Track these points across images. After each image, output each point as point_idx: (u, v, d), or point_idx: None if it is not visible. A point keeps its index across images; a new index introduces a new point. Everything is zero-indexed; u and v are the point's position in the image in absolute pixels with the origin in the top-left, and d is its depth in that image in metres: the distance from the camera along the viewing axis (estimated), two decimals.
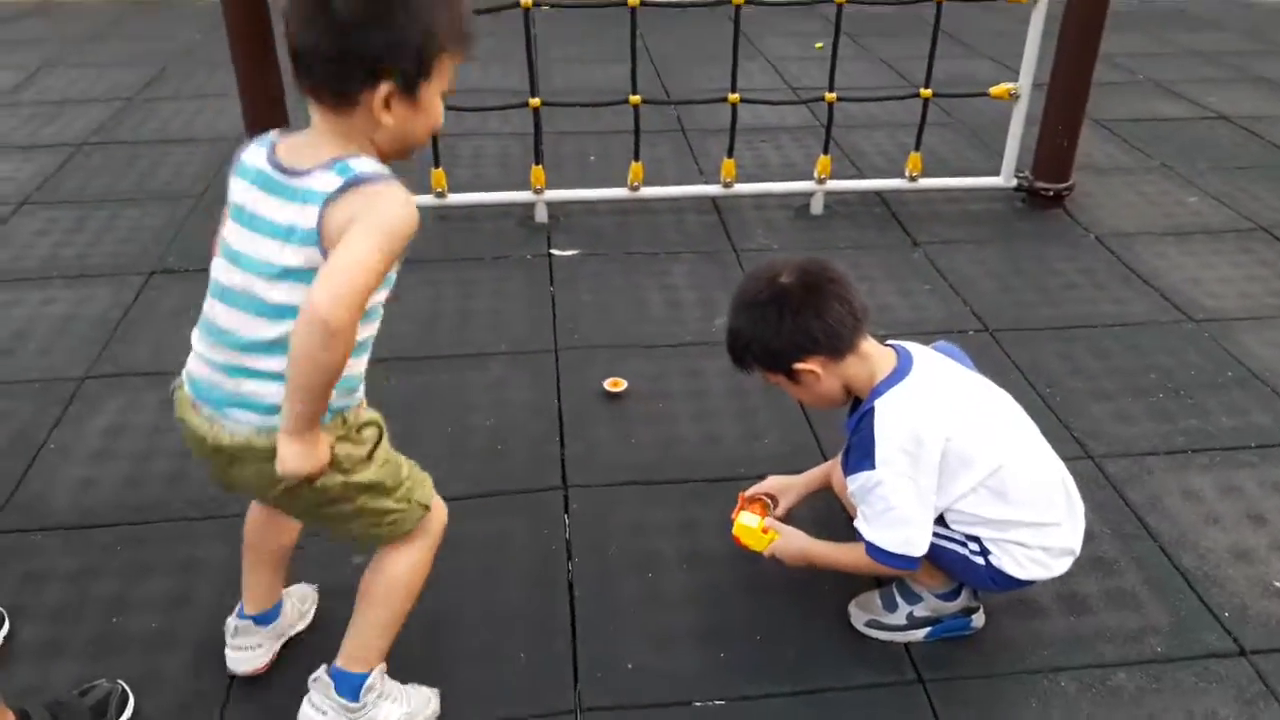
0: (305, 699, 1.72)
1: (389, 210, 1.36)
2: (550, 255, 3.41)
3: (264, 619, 1.86)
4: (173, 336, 2.89)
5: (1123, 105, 4.82)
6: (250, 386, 1.45)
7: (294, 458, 1.38)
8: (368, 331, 1.50)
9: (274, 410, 1.41)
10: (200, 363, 1.50)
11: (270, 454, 1.40)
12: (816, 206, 3.73)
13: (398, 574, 1.66)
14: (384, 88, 1.36)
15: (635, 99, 3.48)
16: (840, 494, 2.12)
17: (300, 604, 1.97)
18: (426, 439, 2.48)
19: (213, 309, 1.48)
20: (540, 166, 3.54)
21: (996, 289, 3.22)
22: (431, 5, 1.37)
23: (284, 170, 1.41)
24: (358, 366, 1.51)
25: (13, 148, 4.22)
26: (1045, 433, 2.47)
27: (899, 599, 1.94)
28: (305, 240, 1.37)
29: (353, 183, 1.35)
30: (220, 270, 1.47)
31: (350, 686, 1.67)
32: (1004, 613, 2.00)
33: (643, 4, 3.34)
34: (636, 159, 3.57)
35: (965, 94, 3.97)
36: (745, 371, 1.88)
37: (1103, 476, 2.39)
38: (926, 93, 3.59)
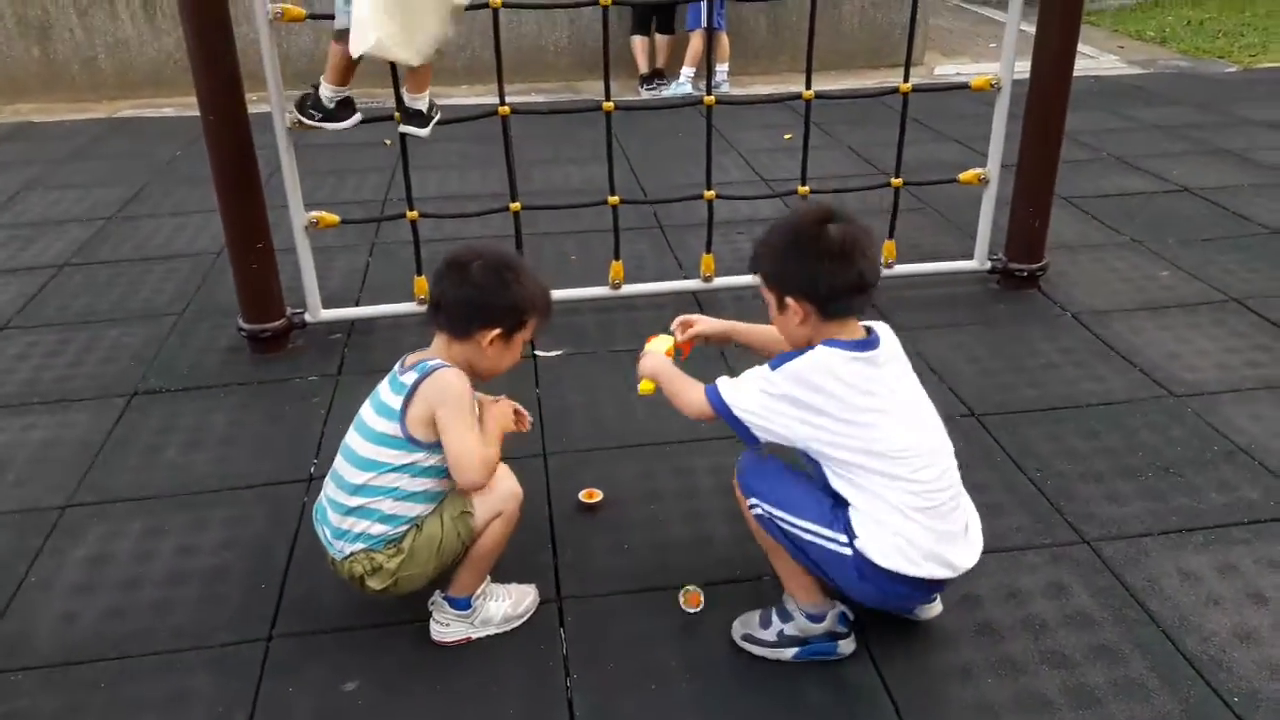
0: (431, 619, 2.20)
1: (452, 390, 2.02)
2: (535, 356, 3.42)
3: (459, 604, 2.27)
4: (154, 459, 2.89)
5: (1089, 182, 4.93)
6: (340, 524, 2.08)
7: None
8: (430, 485, 2.09)
9: (345, 537, 2.08)
10: (324, 495, 2.14)
11: (351, 579, 2.11)
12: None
13: (484, 541, 2.14)
14: (495, 331, 2.06)
15: (614, 200, 3.54)
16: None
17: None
18: None
19: (337, 462, 2.12)
20: None
21: (978, 373, 3.24)
22: (534, 285, 2.11)
23: (401, 369, 2.09)
24: (415, 511, 2.08)
25: None
26: (1037, 518, 2.51)
27: (774, 617, 2.12)
28: (391, 416, 2.04)
29: (424, 375, 2.03)
30: (349, 435, 2.12)
31: (461, 604, 2.17)
32: (1018, 712, 1.97)
33: (617, 107, 3.41)
34: (617, 258, 3.61)
35: (935, 181, 4.05)
36: (753, 273, 2.03)
37: (1099, 560, 2.37)
38: (897, 181, 3.66)
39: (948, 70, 7.85)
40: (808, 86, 3.49)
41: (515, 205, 3.50)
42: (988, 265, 3.84)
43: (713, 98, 3.47)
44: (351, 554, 2.07)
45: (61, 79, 7.17)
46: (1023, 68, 3.43)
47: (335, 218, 3.46)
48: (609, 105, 3.40)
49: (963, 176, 3.71)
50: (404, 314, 3.65)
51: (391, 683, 2.10)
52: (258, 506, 2.68)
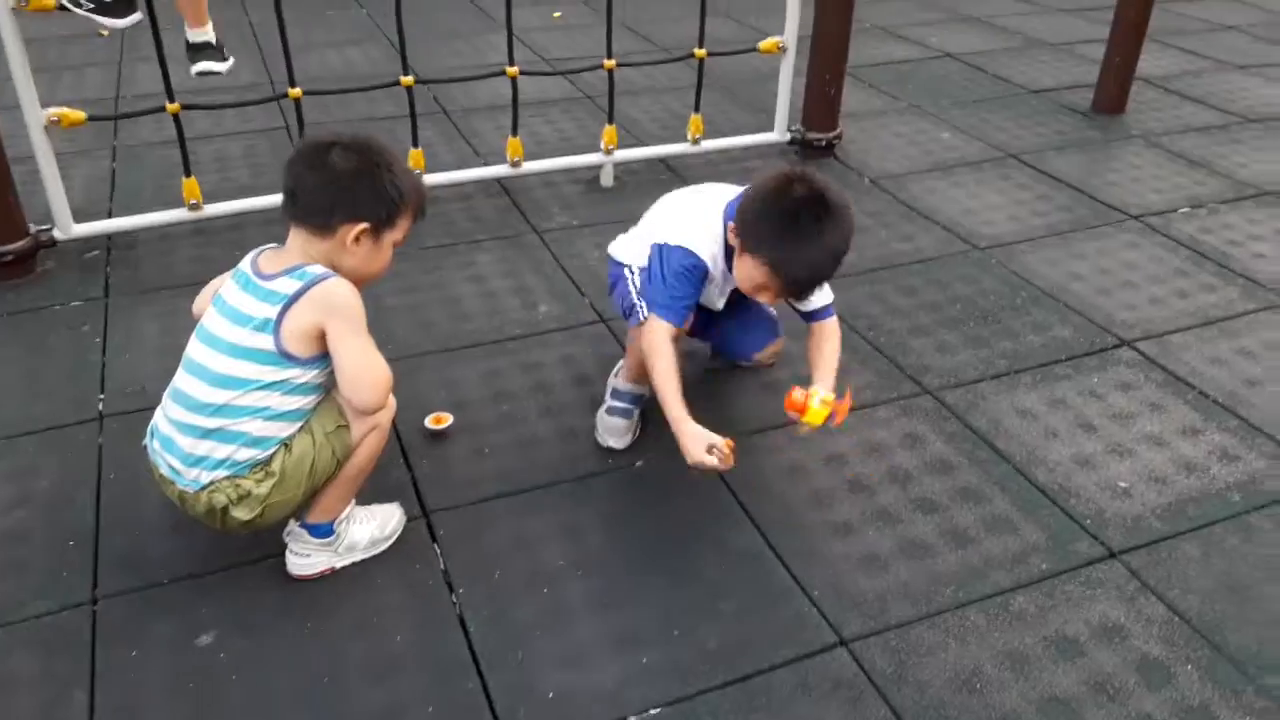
0: (287, 551, 1.98)
1: (344, 302, 1.77)
2: None
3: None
4: None
5: (862, 52, 5.05)
6: (192, 449, 1.80)
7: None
8: (303, 403, 1.83)
9: (202, 465, 1.80)
10: (163, 419, 1.86)
11: (209, 512, 1.83)
12: (606, 178, 3.64)
13: (356, 458, 1.93)
14: (360, 225, 1.79)
15: (407, 80, 3.25)
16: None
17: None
18: None
19: (179, 379, 1.84)
20: None
21: None
22: (406, 175, 1.85)
23: (258, 273, 1.80)
24: (285, 431, 1.83)
25: None
26: (880, 373, 2.58)
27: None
28: (263, 329, 1.76)
29: (309, 284, 1.75)
30: (193, 347, 1.84)
31: (322, 530, 1.97)
32: (903, 559, 2.03)
33: None
34: (415, 146, 3.33)
35: (737, 51, 3.99)
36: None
37: (944, 409, 2.48)
38: (701, 53, 3.57)
39: None
40: None
41: (295, 92, 3.14)
42: (787, 137, 3.86)
43: None
44: (212, 483, 1.81)
45: None
46: None
47: (81, 114, 2.97)
48: None
49: (762, 45, 3.68)
50: (172, 222, 3.23)
51: (255, 627, 1.89)
52: (44, 455, 2.31)
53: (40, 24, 2.81)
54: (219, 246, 3.20)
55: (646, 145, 3.92)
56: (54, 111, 2.91)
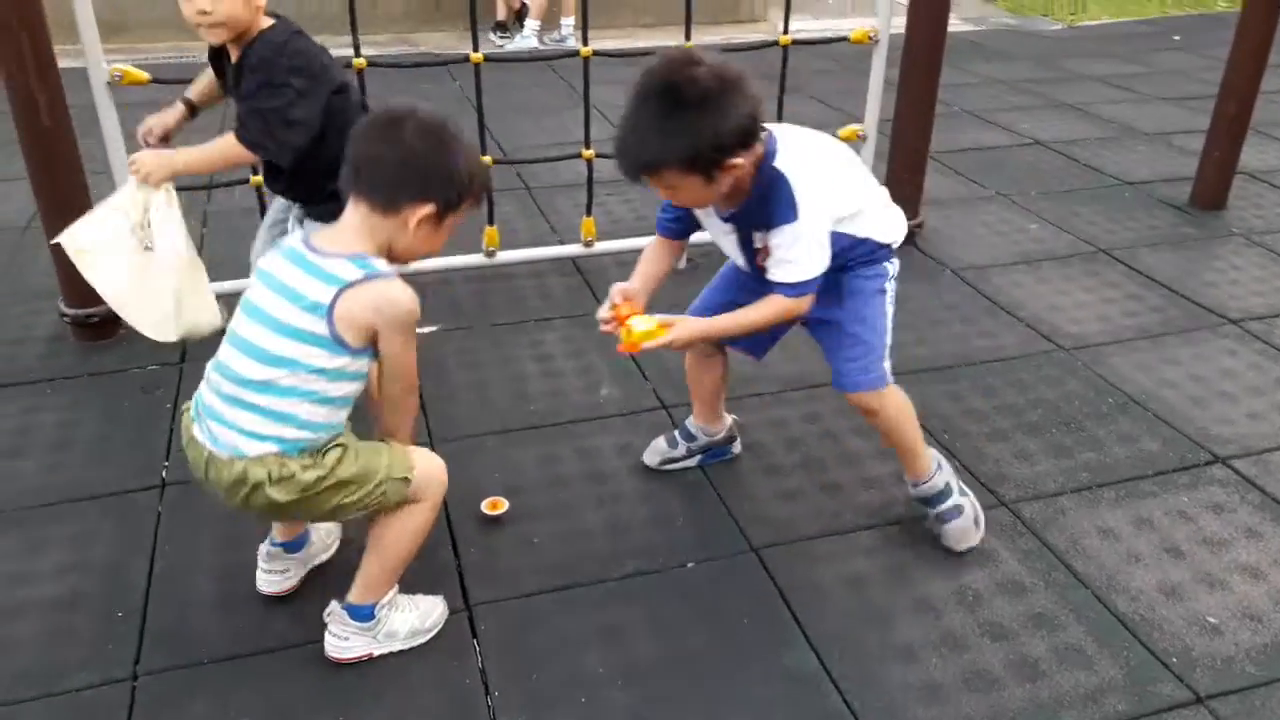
0: (326, 632, 1.95)
1: (405, 315, 1.74)
2: None
3: (293, 546, 2.09)
4: None
5: (947, 137, 4.97)
6: (234, 418, 1.74)
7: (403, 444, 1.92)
8: (350, 389, 1.79)
9: (249, 436, 1.73)
10: (206, 388, 1.79)
11: (238, 481, 1.74)
12: (680, 261, 3.60)
13: (403, 527, 1.89)
14: (428, 207, 1.72)
15: (487, 159, 3.27)
16: None
17: (326, 536, 2.19)
18: None
19: (223, 351, 1.77)
20: None
21: None
22: (475, 157, 1.83)
23: (311, 249, 1.72)
24: (336, 417, 1.80)
25: None
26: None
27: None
28: (316, 312, 1.68)
29: (368, 278, 1.68)
30: (238, 320, 1.77)
31: (363, 614, 1.93)
32: (966, 690, 1.90)
33: (486, 59, 3.14)
34: (491, 223, 3.36)
35: None
36: (638, 181, 1.87)
37: (1020, 523, 2.35)
38: None
39: (792, 27, 7.82)
40: (687, 38, 3.32)
41: None
42: None
43: (589, 49, 3.24)
44: (260, 456, 1.73)
45: None
46: (858, 23, 3.37)
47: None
48: (477, 57, 3.12)
49: (842, 133, 3.63)
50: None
51: (290, 715, 1.85)
52: (103, 520, 2.33)
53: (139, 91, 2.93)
54: None
55: None
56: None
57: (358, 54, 2.99)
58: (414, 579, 2.13)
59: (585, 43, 3.25)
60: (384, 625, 1.95)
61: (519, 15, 7.01)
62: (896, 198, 3.72)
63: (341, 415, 1.81)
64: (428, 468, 1.89)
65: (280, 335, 1.70)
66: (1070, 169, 4.63)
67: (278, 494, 1.74)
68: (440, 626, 2.02)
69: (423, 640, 2.00)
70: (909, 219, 3.71)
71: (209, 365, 1.80)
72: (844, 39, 3.50)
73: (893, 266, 2.22)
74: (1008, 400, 2.82)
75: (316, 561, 2.16)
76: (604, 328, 2.04)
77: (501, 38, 6.91)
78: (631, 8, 7.56)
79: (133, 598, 2.11)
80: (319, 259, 1.70)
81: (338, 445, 1.79)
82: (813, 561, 2.22)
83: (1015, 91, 5.88)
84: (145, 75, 2.91)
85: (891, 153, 3.71)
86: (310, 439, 1.75)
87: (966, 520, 2.23)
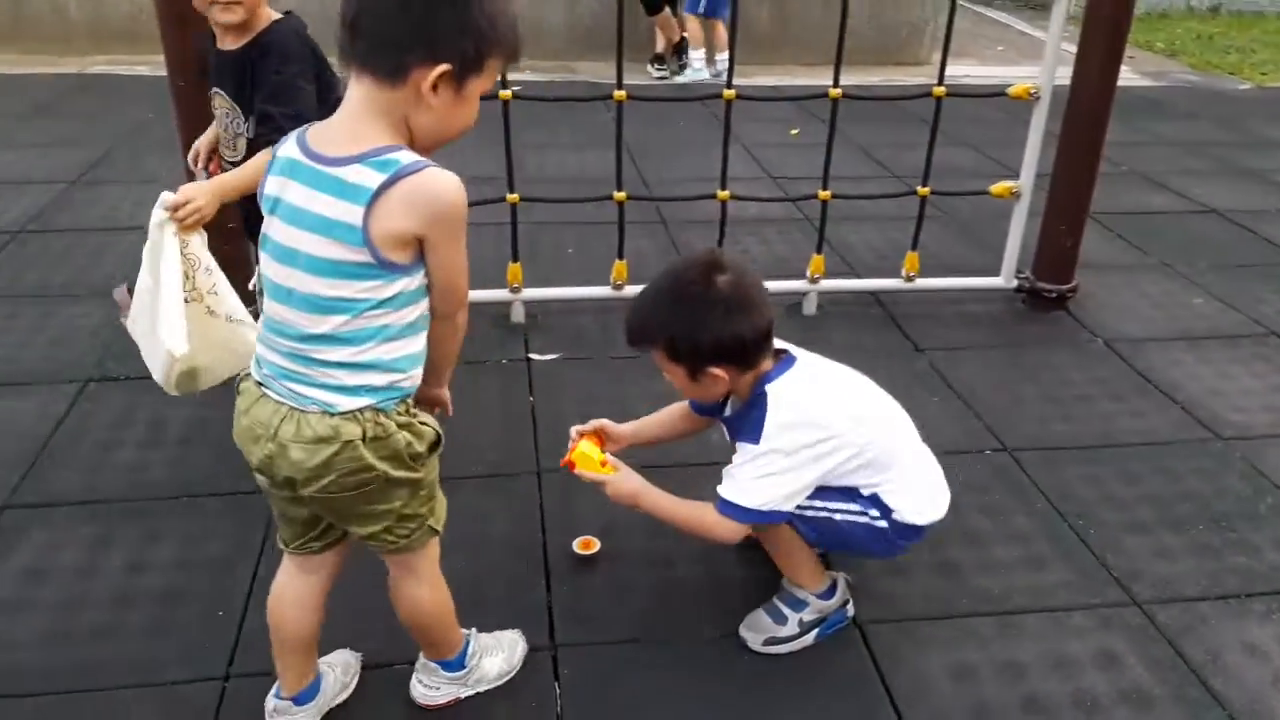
0: (414, 679, 1.90)
1: (452, 208, 1.42)
2: (529, 360, 3.15)
3: (302, 699, 1.82)
4: (105, 458, 2.60)
5: (1112, 199, 4.70)
6: (312, 375, 1.49)
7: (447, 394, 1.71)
8: (423, 307, 1.52)
9: (338, 391, 1.48)
10: (268, 349, 1.53)
11: (325, 439, 1.48)
12: (809, 307, 3.52)
13: (425, 599, 1.77)
14: (441, 67, 1.38)
15: (620, 196, 3.27)
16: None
17: (343, 675, 1.93)
18: None
19: (270, 306, 1.50)
20: (517, 264, 3.30)
21: (1009, 402, 3.01)
22: (497, 3, 1.42)
23: (314, 157, 1.41)
24: (418, 345, 1.54)
25: None
26: (1082, 571, 2.28)
27: (786, 610, 2.06)
28: (350, 239, 1.39)
29: (395, 178, 1.37)
30: (268, 266, 1.49)
31: (454, 665, 1.87)
32: None
33: (629, 96, 3.14)
34: (620, 257, 3.34)
35: (964, 192, 3.81)
36: (639, 350, 1.92)
37: (1153, 626, 2.15)
38: (924, 191, 3.42)
39: (955, 72, 7.55)
40: (835, 84, 3.24)
41: (513, 197, 3.23)
42: (1014, 284, 3.61)
43: (733, 92, 3.20)
44: (353, 410, 1.48)
45: (30, 28, 6.79)
46: (1023, 73, 3.20)
47: None
48: (621, 94, 3.12)
49: (994, 189, 3.48)
50: None
51: None
52: (220, 519, 2.41)
53: None
54: None
55: (858, 276, 3.77)
56: None
57: (505, 86, 3.02)
58: (504, 610, 2.12)
59: (730, 84, 3.21)
60: (475, 673, 1.92)
61: (678, 49, 7.05)
62: (1050, 259, 3.59)
63: (422, 341, 1.54)
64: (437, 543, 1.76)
65: (321, 275, 1.43)
66: (1246, 241, 4.30)
67: (371, 455, 1.50)
68: (522, 663, 1.99)
69: (509, 678, 1.97)
70: (1061, 283, 3.52)
71: (261, 324, 1.56)
72: (1002, 93, 3.35)
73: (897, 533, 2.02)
74: (1153, 489, 2.61)
75: (333, 704, 1.89)
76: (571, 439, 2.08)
77: (659, 71, 6.96)
78: (794, 45, 7.51)
79: (235, 598, 2.16)
80: (331, 169, 1.40)
81: (431, 427, 1.61)
82: (918, 645, 2.09)
83: (1192, 154, 5.53)
84: None
85: (1047, 210, 3.52)
86: (401, 379, 1.52)
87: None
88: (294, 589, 1.76)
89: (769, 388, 1.88)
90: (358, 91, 1.41)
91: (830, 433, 1.88)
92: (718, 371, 1.84)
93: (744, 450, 1.89)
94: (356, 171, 1.38)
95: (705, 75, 6.90)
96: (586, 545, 2.30)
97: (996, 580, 2.28)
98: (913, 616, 2.17)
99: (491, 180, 4.55)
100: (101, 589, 2.17)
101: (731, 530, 1.91)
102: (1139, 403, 3.02)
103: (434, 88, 1.39)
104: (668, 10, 6.88)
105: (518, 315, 3.37)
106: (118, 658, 2.00)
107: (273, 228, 1.47)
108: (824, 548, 2.11)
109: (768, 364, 1.92)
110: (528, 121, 5.39)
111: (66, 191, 4.39)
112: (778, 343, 1.95)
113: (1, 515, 2.38)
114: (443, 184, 1.40)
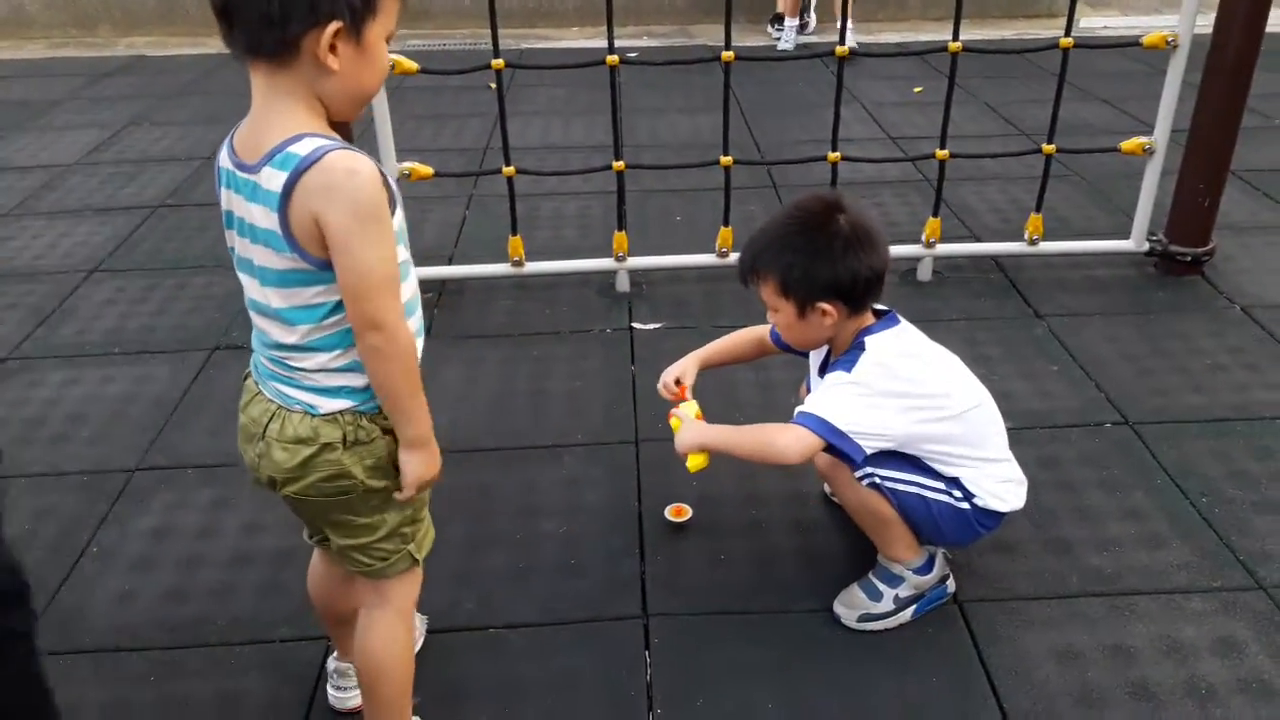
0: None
1: (354, 198, 1.28)
2: (632, 329, 3.16)
3: None
4: (228, 423, 2.71)
5: (1259, 154, 4.37)
6: (294, 377, 1.45)
7: (418, 468, 1.47)
8: (405, 296, 1.41)
9: (318, 392, 1.43)
10: (257, 352, 1.51)
11: (304, 439, 1.43)
12: (924, 272, 3.40)
13: (395, 641, 1.63)
14: (331, 26, 1.26)
15: (726, 160, 3.22)
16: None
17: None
18: (493, 548, 2.25)
19: (251, 314, 1.47)
20: (623, 232, 3.30)
21: (1134, 372, 2.85)
22: None
23: (241, 167, 1.34)
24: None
25: (91, 210, 4.15)
26: (1203, 552, 2.16)
27: (881, 585, 2.02)
28: (280, 246, 1.33)
29: (297, 173, 1.27)
30: (241, 278, 1.45)
31: None
32: None
33: (737, 58, 3.08)
34: (726, 224, 3.30)
35: (1091, 150, 3.61)
36: (747, 285, 1.93)
37: (1279, 613, 2.02)
38: (1049, 148, 3.25)
39: (1095, 23, 7.18)
40: (955, 37, 3.10)
41: (619, 164, 3.22)
42: (1145, 247, 3.40)
43: (845, 48, 3.10)
44: (334, 413, 1.43)
45: (176, 11, 7.13)
46: (1167, 22, 2.97)
47: (429, 170, 3.23)
48: (728, 55, 3.06)
49: (1125, 145, 3.27)
50: (499, 275, 3.42)
51: (461, 696, 1.90)
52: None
53: (433, 78, 3.13)
54: (534, 301, 3.34)
55: (977, 240, 3.62)
56: (407, 166, 3.19)
57: (611, 50, 3.00)
58: (598, 577, 2.14)
59: (843, 40, 3.11)
60: None
61: (800, 10, 6.88)
62: (1185, 220, 3.36)
63: (412, 327, 1.45)
64: (419, 574, 1.65)
65: (279, 286, 1.37)
66: None
67: (350, 461, 1.45)
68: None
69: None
70: (1196, 245, 3.30)
71: (252, 333, 1.52)
72: (1137, 43, 3.14)
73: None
74: None
75: None
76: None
77: (779, 32, 6.81)
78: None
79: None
80: (252, 176, 1.32)
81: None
82: (1022, 625, 2.01)
83: None
84: (414, 65, 3.04)
85: (1184, 167, 3.29)
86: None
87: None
88: (319, 574, 1.78)
89: (869, 339, 1.87)
90: (256, 81, 1.32)
91: (922, 390, 1.87)
92: (827, 306, 1.83)
93: (833, 376, 1.87)
94: (267, 175, 1.30)
95: (791, 45, 6.63)
96: (679, 512, 2.30)
97: (1109, 560, 2.17)
98: (1018, 596, 2.09)
99: (600, 148, 4.58)
100: (219, 550, 2.29)
101: (802, 445, 1.81)
102: (1277, 374, 2.81)
103: (332, 49, 1.27)
104: None
105: (623, 284, 3.38)
106: (230, 616, 2.10)
107: (233, 240, 1.43)
108: (913, 520, 2.04)
109: (871, 318, 1.92)
110: (641, 87, 5.39)
111: (202, 167, 4.61)
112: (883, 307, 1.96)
113: (133, 477, 2.54)
114: (342, 165, 1.27)
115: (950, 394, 1.91)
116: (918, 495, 1.92)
